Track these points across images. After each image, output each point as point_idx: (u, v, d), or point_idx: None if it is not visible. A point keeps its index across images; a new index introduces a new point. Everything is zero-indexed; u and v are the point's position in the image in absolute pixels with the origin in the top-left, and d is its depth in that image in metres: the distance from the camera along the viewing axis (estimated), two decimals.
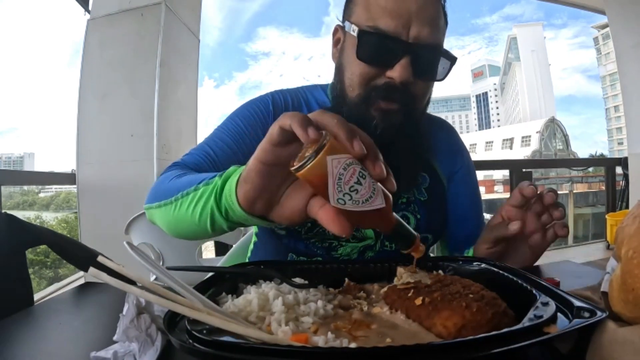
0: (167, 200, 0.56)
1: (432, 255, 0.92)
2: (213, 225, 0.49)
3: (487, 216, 0.83)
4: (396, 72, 0.60)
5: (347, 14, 0.67)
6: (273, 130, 0.38)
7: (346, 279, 0.48)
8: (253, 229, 0.83)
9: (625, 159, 3.48)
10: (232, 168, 0.47)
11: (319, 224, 0.41)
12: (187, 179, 0.55)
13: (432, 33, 0.61)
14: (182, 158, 0.68)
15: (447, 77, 0.65)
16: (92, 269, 0.33)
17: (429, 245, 0.75)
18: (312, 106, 0.74)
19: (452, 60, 0.64)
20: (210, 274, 0.48)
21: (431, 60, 0.63)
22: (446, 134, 0.84)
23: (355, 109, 0.64)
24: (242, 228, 1.75)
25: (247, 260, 0.83)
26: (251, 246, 0.82)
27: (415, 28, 0.59)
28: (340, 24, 0.69)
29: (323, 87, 0.77)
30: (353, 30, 0.63)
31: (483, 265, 0.48)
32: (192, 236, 0.56)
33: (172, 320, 0.34)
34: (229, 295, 0.43)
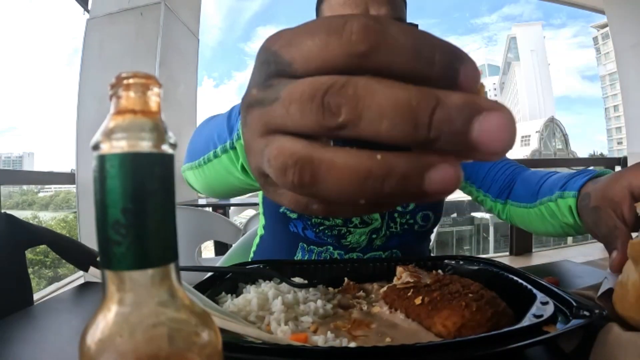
0: (194, 163, 0.54)
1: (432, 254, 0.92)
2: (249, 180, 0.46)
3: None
4: None
5: None
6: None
7: (345, 279, 0.48)
8: (259, 223, 0.83)
9: (625, 158, 3.48)
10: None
11: None
12: (205, 137, 0.51)
13: (391, 11, 0.67)
14: None
15: None
16: (91, 269, 0.33)
17: (430, 225, 0.74)
18: None
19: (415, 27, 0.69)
20: (210, 273, 0.48)
21: None
22: None
23: None
24: (242, 227, 1.74)
25: (251, 256, 0.83)
26: (257, 240, 0.82)
27: (374, 10, 0.65)
28: None
29: None
30: None
31: (482, 264, 0.49)
32: (236, 194, 0.56)
33: None
34: (229, 295, 0.43)
